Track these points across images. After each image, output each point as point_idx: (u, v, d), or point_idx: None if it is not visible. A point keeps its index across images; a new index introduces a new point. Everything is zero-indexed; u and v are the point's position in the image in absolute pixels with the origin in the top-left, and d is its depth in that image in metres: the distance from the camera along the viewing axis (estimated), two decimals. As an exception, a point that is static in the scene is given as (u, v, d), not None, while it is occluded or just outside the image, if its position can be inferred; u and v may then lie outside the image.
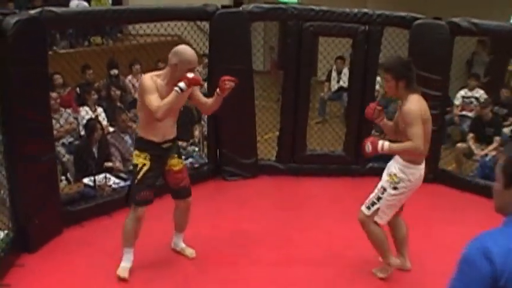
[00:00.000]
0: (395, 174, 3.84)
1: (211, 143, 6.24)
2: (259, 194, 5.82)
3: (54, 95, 6.27)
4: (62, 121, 6.46)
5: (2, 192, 4.83)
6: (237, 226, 5.03)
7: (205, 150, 6.55)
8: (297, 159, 6.31)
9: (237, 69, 5.78)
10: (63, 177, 5.79)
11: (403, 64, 3.79)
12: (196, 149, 6.68)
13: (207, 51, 6.27)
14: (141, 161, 3.94)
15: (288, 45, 6.05)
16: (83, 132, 6.47)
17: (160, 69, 4.38)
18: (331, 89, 9.39)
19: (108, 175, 5.55)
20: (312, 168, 6.30)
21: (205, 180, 6.04)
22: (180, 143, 6.59)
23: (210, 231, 4.90)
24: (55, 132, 5.34)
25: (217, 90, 4.01)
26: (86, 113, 6.71)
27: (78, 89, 8.04)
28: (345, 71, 8.98)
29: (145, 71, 8.87)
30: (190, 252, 4.46)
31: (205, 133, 6.66)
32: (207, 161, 6.29)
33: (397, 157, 3.88)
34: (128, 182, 5.45)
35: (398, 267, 4.22)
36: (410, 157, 3.80)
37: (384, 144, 3.76)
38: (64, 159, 6.00)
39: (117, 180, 5.57)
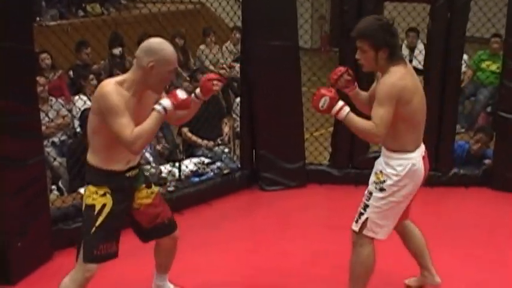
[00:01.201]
0: (381, 171, 3.78)
1: (245, 142, 6.22)
2: (307, 209, 5.78)
3: (41, 80, 6.30)
4: (52, 114, 6.47)
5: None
6: (277, 249, 4.99)
7: (238, 151, 6.52)
8: (356, 164, 6.25)
9: (279, 46, 5.75)
10: (53, 187, 5.81)
11: (383, 28, 3.63)
12: (226, 150, 6.68)
13: (239, 24, 6.22)
14: (100, 199, 3.60)
15: (345, 14, 5.97)
16: (78, 129, 6.48)
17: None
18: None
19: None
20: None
21: (237, 190, 6.04)
22: (205, 142, 6.69)
23: (242, 256, 4.85)
24: (43, 128, 5.35)
25: (197, 91, 3.84)
26: (83, 103, 6.71)
27: (71, 73, 8.09)
28: (420, 47, 8.85)
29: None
30: None
31: (238, 129, 6.61)
32: (239, 165, 6.28)
33: (382, 148, 3.85)
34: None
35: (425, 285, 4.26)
36: (394, 144, 3.73)
37: (343, 109, 3.64)
38: (55, 163, 6.02)
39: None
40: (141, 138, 3.38)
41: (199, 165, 6.10)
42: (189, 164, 6.07)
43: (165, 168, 5.94)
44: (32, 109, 4.56)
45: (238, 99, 6.79)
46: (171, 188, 5.71)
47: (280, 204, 5.84)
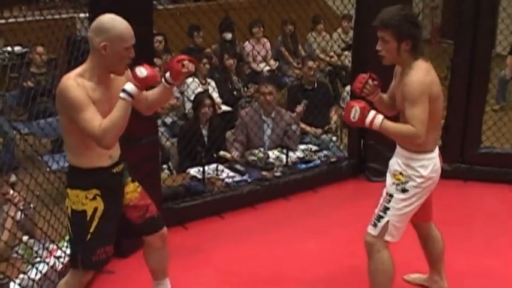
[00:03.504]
0: (400, 173, 3.65)
1: (353, 131, 6.17)
2: (413, 202, 5.66)
3: (158, 61, 6.44)
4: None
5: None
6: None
7: (345, 140, 6.50)
8: (466, 159, 6.13)
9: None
10: (164, 166, 5.94)
11: (408, 19, 3.49)
12: (334, 138, 6.64)
13: (348, 11, 6.17)
14: (90, 204, 3.37)
15: (461, 3, 5.85)
16: (187, 111, 6.62)
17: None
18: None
19: (220, 166, 5.63)
20: (487, 172, 6.10)
21: (343, 179, 6.04)
22: (313, 130, 6.70)
23: (346, 246, 4.83)
24: (158, 108, 5.48)
25: (167, 75, 3.49)
26: (196, 86, 6.85)
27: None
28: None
29: (268, 35, 9.04)
30: None
31: (346, 118, 6.58)
32: (346, 154, 6.26)
33: (399, 149, 3.71)
34: (246, 177, 5.53)
35: None
36: (414, 145, 3.57)
37: (376, 118, 3.50)
38: (167, 143, 6.15)
39: (231, 173, 5.65)
40: (109, 131, 3.15)
41: (307, 152, 6.11)
42: (296, 151, 6.10)
43: (273, 154, 5.98)
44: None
45: (348, 88, 6.75)
46: (277, 174, 5.76)
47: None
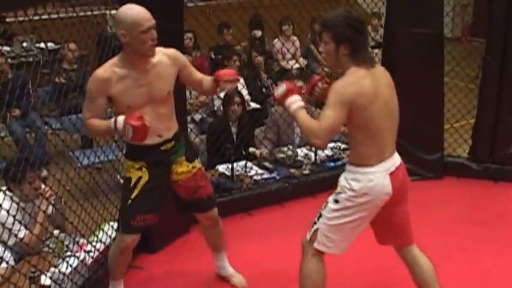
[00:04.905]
0: (339, 182, 3.47)
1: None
2: (443, 201, 5.67)
3: (188, 58, 6.44)
4: (195, 92, 6.64)
5: (118, 176, 5.09)
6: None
7: (374, 138, 6.45)
8: (497, 159, 6.06)
9: (423, 33, 5.63)
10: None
11: (348, 22, 3.32)
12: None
13: (377, 9, 6.14)
14: (136, 173, 3.73)
15: (493, 1, 5.77)
16: (216, 108, 6.64)
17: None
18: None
19: (249, 163, 5.64)
20: (518, 173, 6.05)
21: (372, 179, 5.97)
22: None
23: (375, 244, 4.81)
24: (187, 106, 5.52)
25: (213, 79, 3.89)
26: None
27: (211, 53, 8.26)
28: None
29: (297, 32, 9.04)
30: (239, 280, 4.32)
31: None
32: (375, 153, 6.19)
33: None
34: (274, 175, 5.54)
35: None
36: (352, 155, 3.45)
37: (295, 103, 3.43)
38: (196, 139, 6.18)
39: (260, 171, 5.65)
40: (87, 130, 3.67)
41: (335, 151, 6.09)
42: (325, 149, 6.08)
43: (302, 151, 5.98)
44: (179, 85, 4.70)
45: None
46: (306, 171, 5.75)
47: (415, 195, 5.62)
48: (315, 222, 3.53)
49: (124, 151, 3.95)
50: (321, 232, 3.49)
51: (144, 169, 3.72)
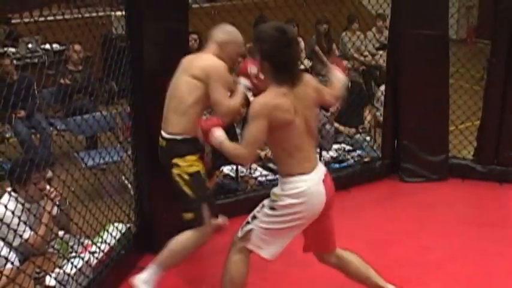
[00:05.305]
0: (274, 193, 3.53)
1: (388, 131, 6.17)
2: (447, 203, 5.68)
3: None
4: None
5: (123, 177, 5.10)
6: (416, 243, 4.94)
7: (379, 140, 6.48)
8: (502, 161, 6.06)
9: (428, 35, 5.65)
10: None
11: (274, 39, 3.33)
12: (368, 138, 6.63)
13: (382, 11, 6.13)
14: (200, 165, 4.04)
15: (499, 3, 5.77)
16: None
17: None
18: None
19: (253, 165, 5.64)
20: (523, 174, 6.03)
21: (377, 179, 6.03)
22: (347, 129, 6.68)
23: (379, 247, 4.82)
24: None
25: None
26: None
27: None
28: None
29: (302, 34, 9.03)
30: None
31: (380, 118, 6.56)
32: (380, 154, 6.24)
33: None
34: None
35: None
36: (281, 167, 3.50)
37: (218, 135, 3.54)
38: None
39: (264, 172, 5.66)
40: (233, 112, 4.10)
41: (340, 152, 6.11)
42: (330, 150, 6.09)
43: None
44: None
45: (382, 88, 6.72)
46: (311, 173, 5.75)
47: (420, 197, 5.75)
48: (248, 222, 3.61)
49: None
50: (255, 233, 3.56)
51: (200, 160, 4.03)
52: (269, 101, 3.35)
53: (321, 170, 3.55)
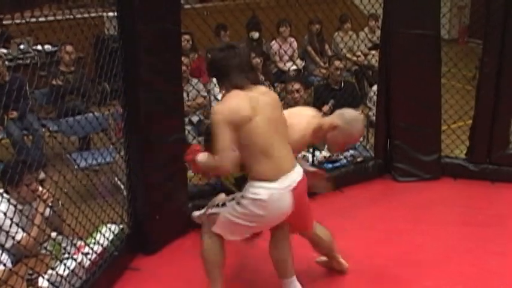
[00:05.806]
0: (244, 189, 3.63)
1: (380, 131, 6.16)
2: (440, 202, 5.67)
3: (185, 60, 6.46)
4: (193, 94, 6.64)
5: (116, 178, 5.09)
6: (409, 242, 4.94)
7: (372, 140, 6.48)
8: (494, 160, 6.06)
9: (420, 35, 5.66)
10: (189, 165, 5.96)
11: (218, 52, 3.68)
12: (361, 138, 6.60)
13: (374, 11, 6.13)
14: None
15: (491, 3, 5.75)
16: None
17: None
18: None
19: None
20: (515, 173, 6.05)
21: (370, 179, 6.03)
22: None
23: (372, 246, 4.82)
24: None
25: None
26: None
27: (209, 55, 8.27)
28: None
29: (295, 34, 9.03)
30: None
31: (373, 118, 6.56)
32: (373, 154, 6.24)
33: None
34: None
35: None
36: (253, 174, 3.57)
37: (199, 160, 3.66)
38: (194, 141, 6.18)
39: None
40: None
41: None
42: (323, 150, 6.08)
43: (299, 153, 5.96)
44: (177, 87, 4.71)
45: (374, 88, 6.72)
46: (304, 173, 5.75)
47: (413, 196, 5.74)
48: (217, 205, 3.78)
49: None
50: (220, 219, 3.71)
51: None
52: (222, 105, 3.55)
53: (292, 177, 3.61)
